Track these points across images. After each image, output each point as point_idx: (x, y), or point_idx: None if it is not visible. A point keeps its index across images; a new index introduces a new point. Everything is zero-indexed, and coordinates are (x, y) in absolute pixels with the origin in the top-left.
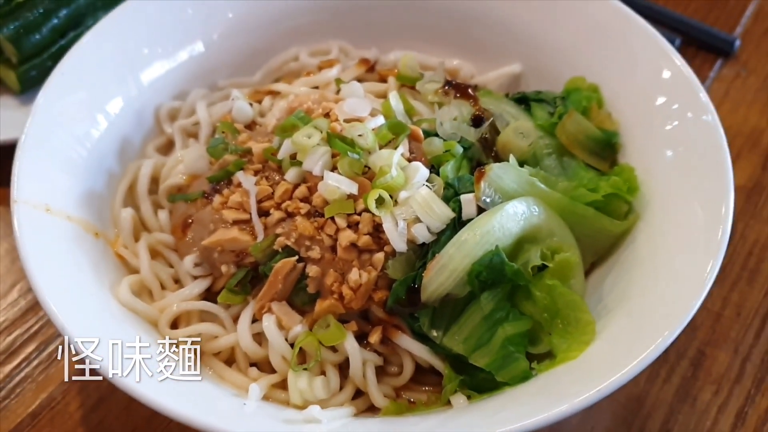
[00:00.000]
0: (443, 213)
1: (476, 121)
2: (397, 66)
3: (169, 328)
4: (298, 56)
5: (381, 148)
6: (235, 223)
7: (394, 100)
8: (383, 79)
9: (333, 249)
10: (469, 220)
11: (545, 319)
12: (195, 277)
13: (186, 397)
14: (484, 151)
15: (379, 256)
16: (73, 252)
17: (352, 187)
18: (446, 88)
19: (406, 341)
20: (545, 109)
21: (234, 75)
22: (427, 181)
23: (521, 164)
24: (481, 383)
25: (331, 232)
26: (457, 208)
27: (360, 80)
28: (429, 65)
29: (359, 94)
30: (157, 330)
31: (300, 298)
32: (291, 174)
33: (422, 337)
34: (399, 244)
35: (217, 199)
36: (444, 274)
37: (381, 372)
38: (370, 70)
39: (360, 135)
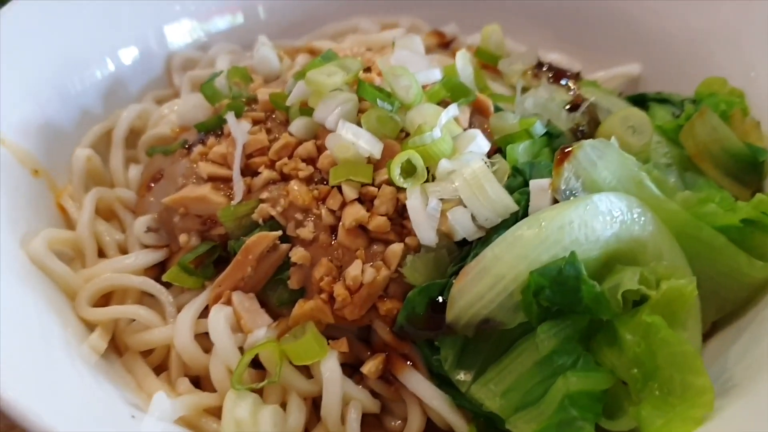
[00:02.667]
0: (500, 199)
1: (573, 109)
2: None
3: (88, 305)
4: (357, 27)
5: None
6: (211, 179)
7: (462, 61)
8: None
9: (333, 230)
10: None
11: (634, 378)
12: (145, 247)
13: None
14: None
15: (396, 249)
16: None
17: (373, 146)
18: (539, 70)
19: (417, 381)
20: (668, 110)
21: (278, 38)
22: (488, 159)
23: None
24: None
25: (335, 206)
26: (524, 202)
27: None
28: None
29: (417, 49)
30: (72, 307)
31: (277, 294)
32: (297, 125)
33: (442, 380)
34: (426, 231)
35: (197, 150)
36: (484, 283)
37: (374, 424)
38: (444, 46)
39: (403, 86)
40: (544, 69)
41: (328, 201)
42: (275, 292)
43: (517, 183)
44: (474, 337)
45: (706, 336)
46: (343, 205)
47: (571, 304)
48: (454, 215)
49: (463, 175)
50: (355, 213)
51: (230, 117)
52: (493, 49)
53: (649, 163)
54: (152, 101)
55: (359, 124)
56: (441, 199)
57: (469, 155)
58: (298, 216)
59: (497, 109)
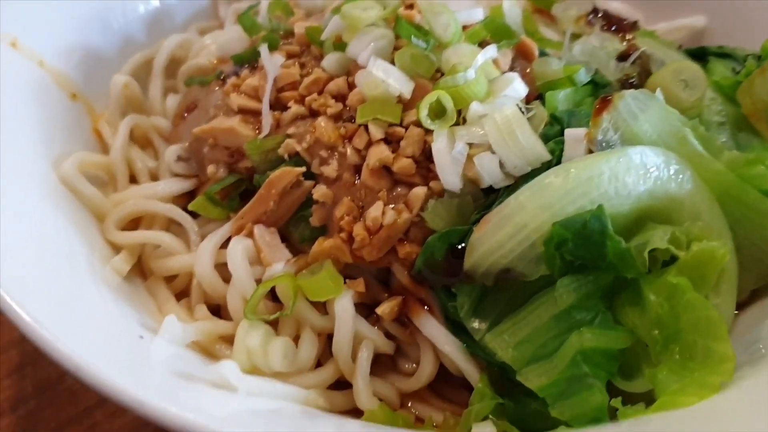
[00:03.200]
0: (531, 147)
1: (623, 59)
2: None
3: (116, 229)
4: None
5: None
6: (241, 111)
7: (510, 3)
8: None
9: (357, 170)
10: None
11: (654, 340)
12: (176, 176)
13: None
14: None
15: (419, 192)
16: (28, 106)
17: (404, 84)
18: (593, 17)
19: (432, 326)
20: (729, 66)
21: None
22: (525, 104)
23: None
24: (528, 416)
25: (360, 145)
26: (558, 151)
27: None
28: None
29: None
30: (101, 230)
31: (299, 231)
32: (329, 59)
33: (457, 327)
34: (450, 176)
35: (230, 81)
36: (505, 231)
37: (388, 365)
38: None
39: (442, 23)
40: (599, 16)
41: (354, 139)
42: (297, 229)
43: (554, 131)
44: (493, 287)
45: (744, 304)
46: (369, 144)
47: (595, 259)
48: (481, 161)
49: (494, 120)
50: (379, 153)
51: (263, 49)
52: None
53: (697, 119)
54: (196, 32)
55: (394, 62)
56: (469, 144)
57: (504, 99)
58: (323, 153)
59: (543, 54)
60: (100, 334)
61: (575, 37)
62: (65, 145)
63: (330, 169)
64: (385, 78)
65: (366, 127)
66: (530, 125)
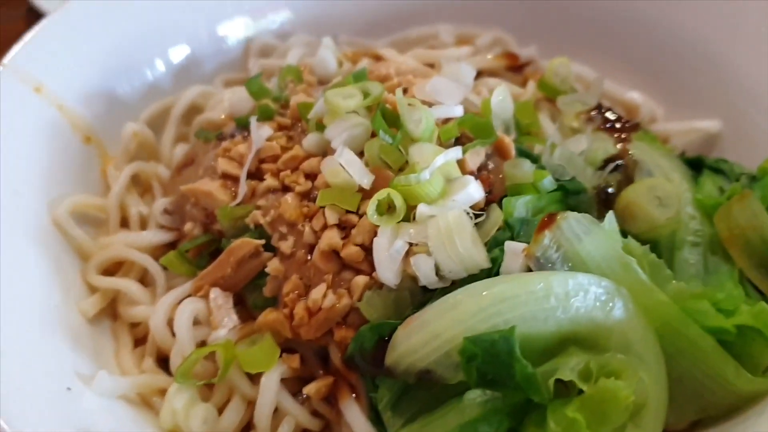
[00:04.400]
0: (468, 254)
1: (616, 167)
2: None
3: (96, 272)
4: (438, 35)
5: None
6: (224, 176)
7: (499, 97)
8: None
9: (311, 250)
10: None
11: None
12: (161, 227)
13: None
14: (598, 207)
15: (360, 281)
16: (38, 147)
17: (363, 177)
18: (594, 113)
19: (353, 412)
20: (719, 183)
21: (357, 35)
22: (480, 209)
23: (638, 239)
24: None
25: (317, 226)
26: (500, 260)
27: (494, 76)
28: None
29: (462, 78)
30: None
31: (254, 297)
32: (309, 139)
33: (379, 417)
34: (385, 271)
35: (223, 144)
36: (421, 336)
37: None
38: (515, 70)
39: (414, 119)
40: (600, 113)
41: (314, 221)
42: (252, 295)
43: (505, 238)
44: (415, 385)
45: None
46: (324, 227)
47: (503, 378)
48: (417, 261)
49: (437, 223)
50: (330, 237)
51: (252, 120)
52: (557, 83)
53: (647, 246)
54: (221, 84)
55: None
56: (408, 243)
57: (454, 203)
58: (283, 229)
59: (522, 154)
60: (30, 380)
61: (573, 132)
62: (68, 185)
63: (286, 246)
64: (346, 168)
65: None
66: (483, 228)
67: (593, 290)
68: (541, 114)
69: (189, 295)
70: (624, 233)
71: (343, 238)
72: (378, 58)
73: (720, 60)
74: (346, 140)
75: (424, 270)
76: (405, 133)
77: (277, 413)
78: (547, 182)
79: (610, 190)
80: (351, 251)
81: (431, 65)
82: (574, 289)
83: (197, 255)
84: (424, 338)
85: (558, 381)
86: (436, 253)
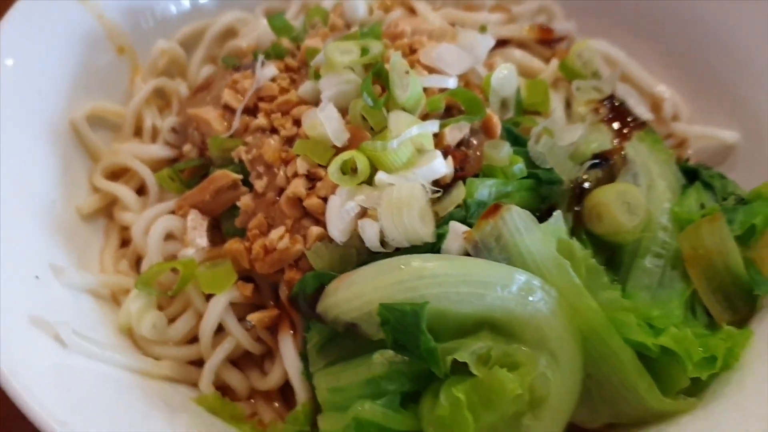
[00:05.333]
0: (411, 228)
1: (602, 163)
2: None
3: (101, 174)
4: None
5: (426, 116)
6: (225, 107)
7: (501, 74)
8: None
9: (280, 193)
10: None
11: None
12: (167, 143)
13: None
14: (571, 201)
15: (315, 232)
16: (74, 51)
17: (338, 134)
18: (605, 103)
19: (287, 344)
20: (704, 198)
21: None
22: (446, 186)
23: (602, 240)
24: None
25: (290, 173)
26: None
27: (523, 47)
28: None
29: (474, 48)
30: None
31: (227, 225)
32: (305, 86)
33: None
34: (334, 228)
35: (235, 76)
36: (348, 293)
37: (252, 363)
38: (547, 44)
39: (402, 84)
40: (612, 104)
41: (289, 166)
42: (227, 222)
43: (460, 216)
44: (343, 335)
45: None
46: (295, 175)
47: (411, 346)
48: (363, 225)
49: (390, 194)
50: (296, 185)
51: (259, 57)
52: (579, 66)
53: (634, 259)
54: (261, 12)
55: None
56: (359, 205)
57: (415, 175)
58: (260, 168)
59: (511, 135)
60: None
61: (581, 118)
62: (95, 92)
63: (260, 184)
64: (324, 123)
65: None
66: (442, 203)
67: (516, 284)
68: (557, 95)
69: (172, 212)
70: (588, 232)
71: (309, 189)
72: (411, 11)
73: (757, 69)
74: (334, 95)
75: (368, 234)
76: (392, 97)
77: (224, 333)
78: (517, 168)
79: (586, 185)
80: (313, 202)
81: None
82: (495, 280)
83: (191, 176)
84: (348, 296)
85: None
86: (382, 220)
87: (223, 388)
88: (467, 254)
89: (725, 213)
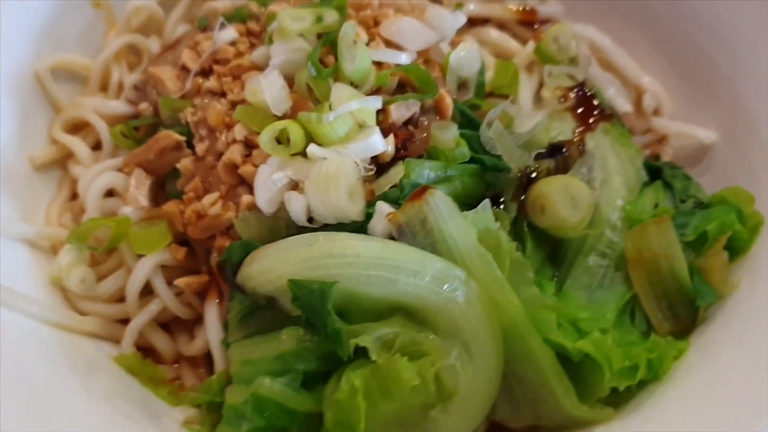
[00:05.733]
0: (338, 204)
1: (555, 152)
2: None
3: (60, 127)
4: None
5: (377, 92)
6: (182, 68)
7: (460, 53)
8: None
9: (219, 158)
10: None
11: (327, 418)
12: (128, 100)
13: None
14: (517, 190)
15: (247, 200)
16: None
17: (277, 103)
18: (572, 91)
19: (211, 312)
20: (661, 198)
21: None
22: (386, 164)
23: (543, 237)
24: None
25: (230, 138)
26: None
27: (503, 27)
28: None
29: (440, 25)
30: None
31: (170, 187)
32: (257, 52)
33: None
34: (261, 197)
35: (197, 37)
36: (262, 266)
37: (183, 328)
38: (528, 25)
39: (349, 55)
40: (579, 94)
41: (230, 131)
42: (169, 185)
43: (394, 196)
44: (265, 307)
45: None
46: (233, 142)
47: (319, 326)
48: (289, 197)
49: (319, 168)
50: (233, 152)
51: (219, 19)
52: (554, 51)
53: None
54: None
55: None
56: (288, 177)
57: (348, 151)
58: (203, 131)
59: (465, 118)
60: None
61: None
62: (66, 44)
63: (201, 148)
64: (266, 90)
65: None
66: (378, 182)
67: (430, 272)
68: (529, 79)
69: (119, 170)
70: (532, 224)
71: (246, 156)
72: None
73: (750, 70)
74: (282, 63)
75: (294, 207)
76: (339, 68)
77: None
78: (459, 153)
79: (533, 175)
80: (248, 170)
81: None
82: (408, 265)
83: (146, 135)
84: (261, 269)
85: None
86: (309, 195)
87: (151, 351)
88: (393, 237)
89: (680, 216)
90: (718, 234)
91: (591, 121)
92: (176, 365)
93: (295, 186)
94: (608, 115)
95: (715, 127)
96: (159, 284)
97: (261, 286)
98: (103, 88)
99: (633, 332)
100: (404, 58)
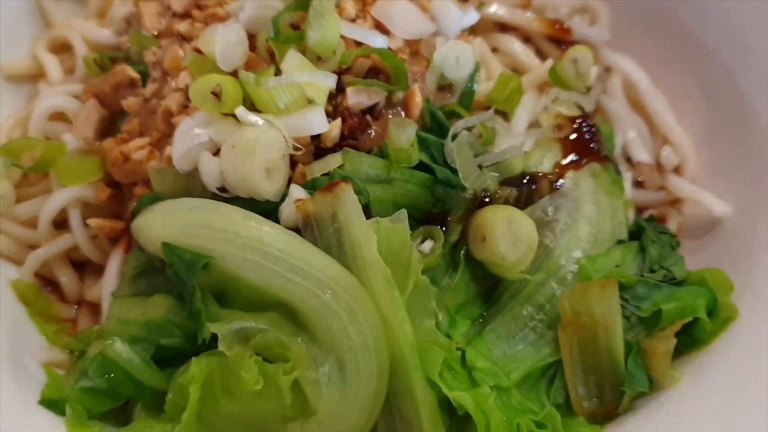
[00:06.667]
0: (249, 178)
1: (523, 182)
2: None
3: (43, 46)
4: None
5: (342, 70)
6: (167, 8)
7: (442, 53)
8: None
9: None
10: None
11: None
12: (117, 32)
13: None
14: (467, 212)
15: (170, 152)
16: None
17: (225, 56)
18: (574, 122)
19: (112, 264)
20: (632, 262)
21: None
22: (327, 149)
23: (483, 270)
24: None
25: (180, 83)
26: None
27: (529, 41)
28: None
29: (443, 18)
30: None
31: (119, 123)
32: (235, 3)
33: None
34: (176, 151)
35: None
36: (141, 223)
37: (97, 271)
38: (558, 44)
39: (317, 26)
40: (578, 129)
41: (181, 76)
42: (121, 120)
43: (320, 184)
44: (160, 266)
45: None
46: (178, 89)
47: (187, 301)
48: (203, 158)
49: (241, 133)
50: (170, 99)
51: None
52: (570, 75)
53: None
54: None
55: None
56: (200, 140)
57: (282, 123)
58: (156, 73)
59: (435, 118)
60: None
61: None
62: None
63: (150, 89)
64: (216, 43)
65: None
66: (312, 167)
67: (316, 272)
68: (537, 99)
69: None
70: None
71: (185, 107)
72: None
73: None
74: (249, 17)
75: (204, 169)
76: (305, 36)
77: None
78: (412, 155)
79: (486, 198)
80: (179, 120)
81: None
82: (289, 258)
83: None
84: (141, 225)
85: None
86: (223, 160)
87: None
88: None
89: (642, 287)
90: (676, 317)
91: (581, 158)
92: (77, 308)
93: (216, 149)
94: (603, 156)
95: (733, 200)
96: (74, 219)
97: (145, 243)
98: (102, 15)
99: (541, 400)
100: (380, 42)
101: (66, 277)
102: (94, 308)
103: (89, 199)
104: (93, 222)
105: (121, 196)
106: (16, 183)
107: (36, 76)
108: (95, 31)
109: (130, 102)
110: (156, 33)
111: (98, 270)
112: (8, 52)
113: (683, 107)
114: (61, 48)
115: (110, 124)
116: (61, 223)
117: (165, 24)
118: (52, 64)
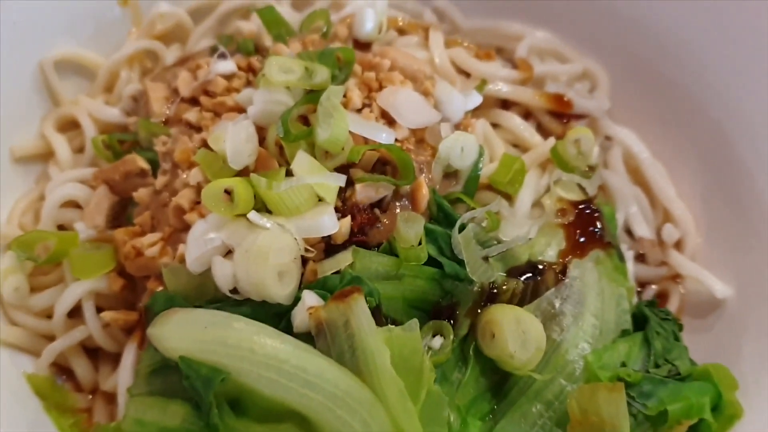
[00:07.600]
0: (262, 283)
1: (526, 271)
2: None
3: (51, 125)
4: (522, 36)
5: (345, 165)
6: (174, 91)
7: (447, 144)
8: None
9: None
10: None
11: None
12: (125, 111)
13: None
14: (475, 305)
15: (183, 251)
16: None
17: (235, 156)
18: (576, 207)
19: (127, 357)
20: (638, 356)
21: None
22: (337, 246)
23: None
24: None
25: (192, 180)
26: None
27: (529, 116)
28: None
29: (446, 104)
30: None
31: (130, 212)
32: (244, 94)
33: None
34: (189, 254)
35: (202, 60)
36: (158, 331)
37: (111, 358)
38: (559, 118)
39: (326, 123)
40: (582, 217)
41: (192, 172)
42: (132, 208)
43: (333, 285)
44: (175, 366)
45: None
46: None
47: (203, 412)
48: (216, 262)
49: (252, 239)
50: (182, 196)
51: (219, 49)
52: (571, 156)
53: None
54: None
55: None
56: (213, 244)
57: (293, 226)
58: (167, 165)
59: (443, 212)
60: None
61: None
62: (85, 37)
63: (161, 181)
64: (227, 141)
65: None
66: (322, 266)
67: (330, 387)
68: (539, 178)
69: (89, 181)
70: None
71: (197, 203)
72: (401, 32)
73: None
74: (258, 113)
75: (218, 274)
76: (314, 133)
77: None
78: (420, 254)
79: (494, 290)
80: (193, 219)
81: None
82: (306, 375)
83: (130, 150)
84: (161, 333)
85: None
86: (236, 265)
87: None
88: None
89: (648, 383)
90: (682, 416)
91: (585, 245)
92: (91, 396)
93: (228, 251)
94: (606, 243)
95: (735, 282)
96: (88, 311)
97: (161, 350)
98: (109, 90)
99: None
100: (385, 137)
101: (81, 368)
102: (110, 397)
103: (101, 290)
104: (107, 315)
105: (134, 285)
106: (29, 272)
107: (45, 155)
108: (103, 109)
109: (141, 194)
110: (164, 120)
111: (112, 356)
112: (17, 132)
113: (682, 172)
114: (69, 126)
115: (121, 209)
116: (73, 311)
117: (173, 110)
118: (61, 145)
